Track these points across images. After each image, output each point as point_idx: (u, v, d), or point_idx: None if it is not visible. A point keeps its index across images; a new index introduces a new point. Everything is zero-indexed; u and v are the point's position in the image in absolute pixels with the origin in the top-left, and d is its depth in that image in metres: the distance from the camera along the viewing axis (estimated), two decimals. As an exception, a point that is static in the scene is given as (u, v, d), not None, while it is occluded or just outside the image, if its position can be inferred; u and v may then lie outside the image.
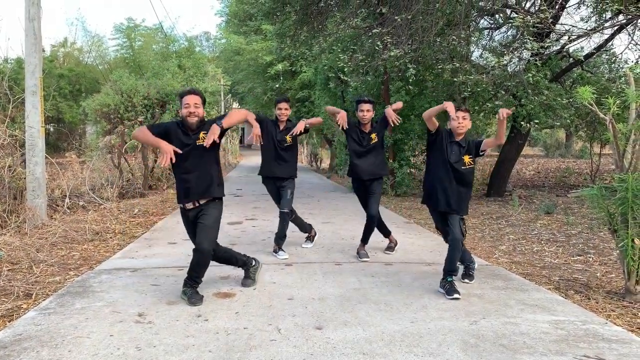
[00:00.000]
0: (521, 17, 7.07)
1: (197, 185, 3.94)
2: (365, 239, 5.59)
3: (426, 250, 5.96)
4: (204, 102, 4.03)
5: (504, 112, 4.17)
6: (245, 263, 4.39)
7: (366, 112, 5.38)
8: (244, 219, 8.17)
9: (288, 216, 5.62)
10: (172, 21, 66.85)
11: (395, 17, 7.59)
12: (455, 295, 4.05)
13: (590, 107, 4.33)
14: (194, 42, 23.05)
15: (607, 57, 11.85)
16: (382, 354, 2.94)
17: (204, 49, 42.41)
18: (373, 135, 5.45)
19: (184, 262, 5.10)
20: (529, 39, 7.21)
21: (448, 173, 4.35)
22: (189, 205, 3.99)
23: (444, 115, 5.25)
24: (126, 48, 30.62)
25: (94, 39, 34.83)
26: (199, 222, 3.96)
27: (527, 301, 3.99)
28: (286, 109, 5.58)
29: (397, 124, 5.37)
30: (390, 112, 5.29)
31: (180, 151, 3.83)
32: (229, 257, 4.33)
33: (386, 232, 5.86)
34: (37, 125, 7.22)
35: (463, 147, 4.40)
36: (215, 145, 3.97)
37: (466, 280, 4.55)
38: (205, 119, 4.04)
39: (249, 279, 4.37)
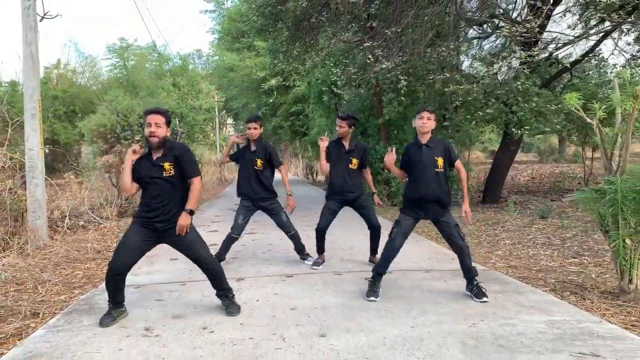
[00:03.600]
0: (508, 27, 7.26)
1: (162, 213, 3.85)
2: (374, 249, 5.69)
3: (424, 257, 6.07)
4: (168, 122, 3.90)
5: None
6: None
7: (339, 127, 5.43)
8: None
9: (297, 234, 5.79)
10: (165, 40, 67.22)
11: (386, 31, 7.76)
12: (484, 299, 4.14)
13: (577, 112, 4.48)
14: (187, 60, 23.26)
15: (595, 62, 12.07)
16: (385, 357, 3.04)
17: (196, 66, 42.66)
18: (354, 161, 5.45)
19: (186, 277, 5.19)
20: (517, 48, 7.37)
21: (425, 176, 4.34)
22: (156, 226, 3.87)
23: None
24: (119, 68, 30.84)
25: (87, 60, 34.97)
26: (177, 241, 3.90)
27: (523, 303, 4.10)
28: (255, 128, 5.55)
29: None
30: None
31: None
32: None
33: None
34: (36, 147, 7.33)
35: (431, 148, 4.39)
36: (180, 176, 3.88)
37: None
38: (169, 139, 3.93)
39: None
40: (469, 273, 4.35)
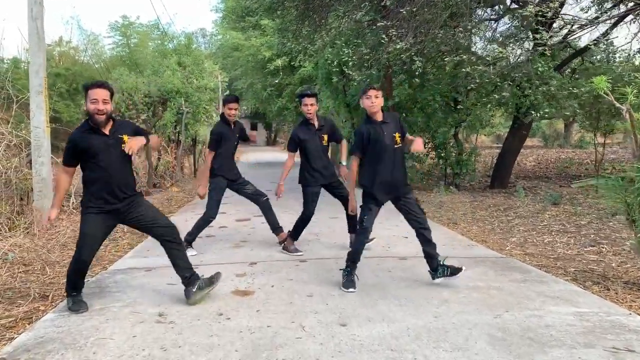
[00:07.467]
0: (531, 6, 7.02)
1: (120, 185, 3.67)
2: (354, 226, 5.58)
3: (439, 243, 5.90)
4: (112, 96, 3.70)
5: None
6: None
7: (310, 106, 5.21)
8: (252, 215, 8.11)
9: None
10: (170, 17, 66.36)
11: (400, 10, 7.54)
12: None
13: (606, 96, 4.30)
14: (192, 39, 22.88)
15: (604, 46, 11.78)
16: (410, 349, 2.92)
17: (200, 45, 42.16)
18: (325, 137, 5.34)
19: (197, 260, 5.07)
20: (539, 28, 7.14)
21: (389, 156, 4.15)
22: (117, 205, 3.66)
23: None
24: (122, 46, 30.46)
25: (89, 37, 34.53)
26: (139, 217, 3.76)
27: (547, 293, 3.97)
28: (236, 108, 5.50)
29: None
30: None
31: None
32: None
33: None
34: (42, 125, 7.17)
35: (388, 124, 4.21)
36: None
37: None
38: (114, 116, 3.78)
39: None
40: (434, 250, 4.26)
